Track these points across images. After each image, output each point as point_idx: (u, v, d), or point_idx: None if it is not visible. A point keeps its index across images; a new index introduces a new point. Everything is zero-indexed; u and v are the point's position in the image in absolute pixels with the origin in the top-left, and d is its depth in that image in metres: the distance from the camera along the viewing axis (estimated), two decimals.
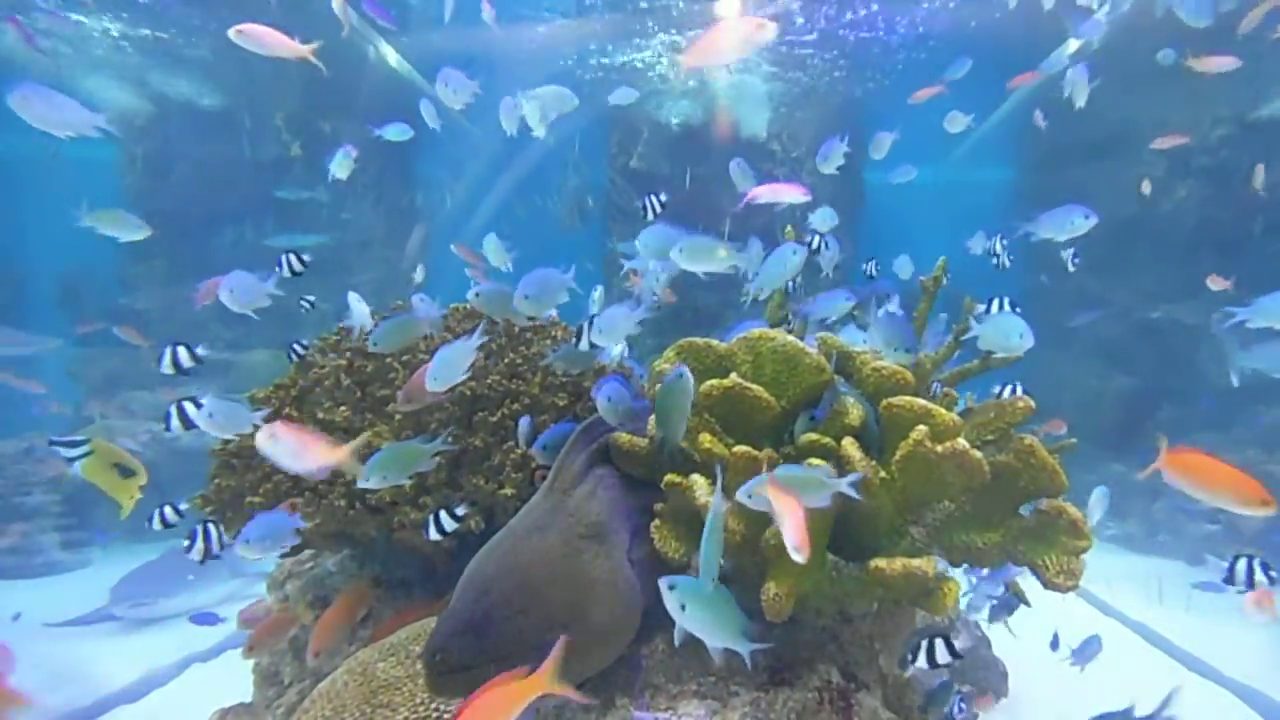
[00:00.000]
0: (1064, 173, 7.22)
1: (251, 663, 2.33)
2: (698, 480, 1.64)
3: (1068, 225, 2.72)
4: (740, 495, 1.45)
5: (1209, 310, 6.11)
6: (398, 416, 1.97)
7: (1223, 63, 4.46)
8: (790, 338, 1.88)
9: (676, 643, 1.48)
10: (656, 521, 1.73)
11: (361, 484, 1.70)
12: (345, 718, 1.52)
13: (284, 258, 2.21)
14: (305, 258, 2.19)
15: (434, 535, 1.77)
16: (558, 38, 6.93)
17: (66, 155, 8.12)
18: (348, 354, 2.10)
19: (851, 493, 1.48)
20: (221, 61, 7.19)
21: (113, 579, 4.45)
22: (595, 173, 7.35)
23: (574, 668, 1.61)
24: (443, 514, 1.78)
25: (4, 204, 9.30)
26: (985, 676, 3.26)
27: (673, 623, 1.59)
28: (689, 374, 1.64)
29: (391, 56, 7.33)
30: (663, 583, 1.39)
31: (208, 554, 1.85)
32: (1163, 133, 6.15)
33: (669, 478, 1.74)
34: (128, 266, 7.54)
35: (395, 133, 4.15)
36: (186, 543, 1.83)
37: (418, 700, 1.57)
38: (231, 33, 2.49)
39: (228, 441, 2.00)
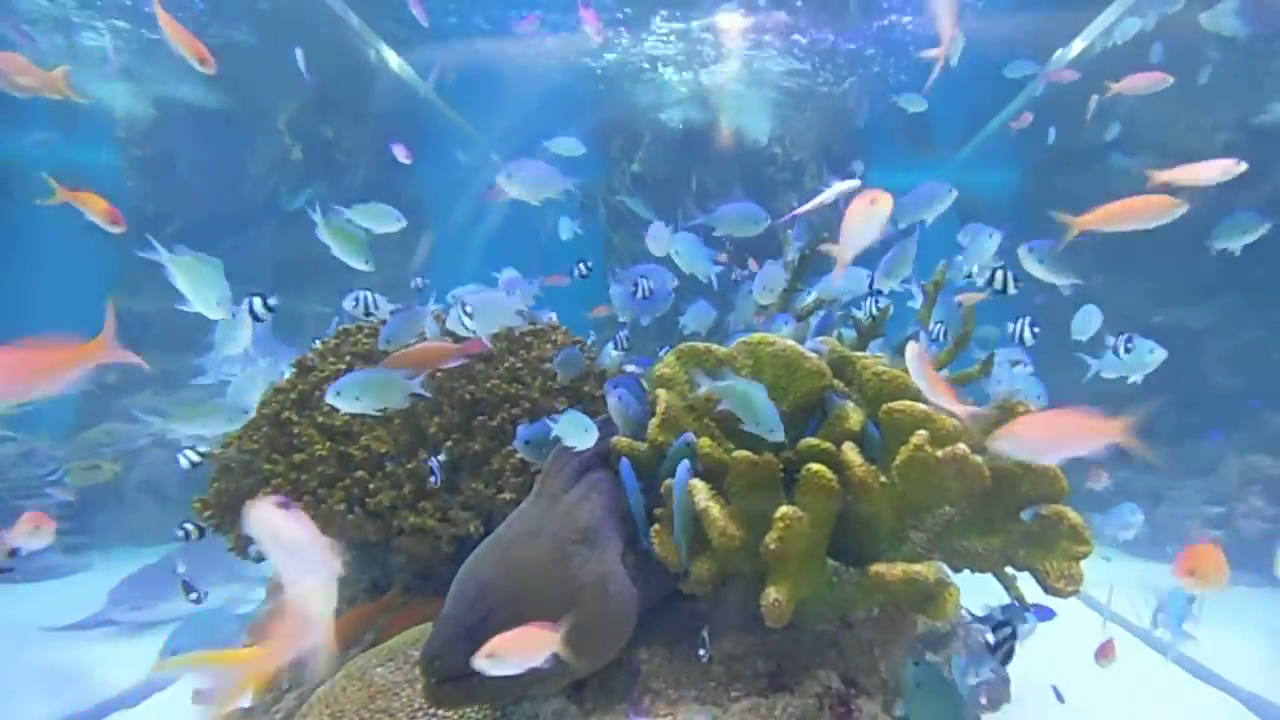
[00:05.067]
0: (1067, 176, 7.21)
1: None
2: (697, 485, 1.63)
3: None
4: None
5: (1215, 314, 6.10)
6: (396, 421, 1.96)
7: (1151, 80, 4.32)
8: (790, 342, 1.88)
9: None
10: (656, 526, 1.72)
11: (330, 399, 1.76)
12: None
13: (250, 300, 2.16)
14: (271, 301, 2.13)
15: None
16: (559, 40, 6.93)
17: (68, 158, 8.17)
18: (348, 358, 2.10)
19: None
20: (224, 65, 7.21)
21: (111, 583, 4.44)
22: (597, 175, 7.32)
23: (567, 670, 1.61)
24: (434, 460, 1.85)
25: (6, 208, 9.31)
26: (987, 684, 3.24)
27: (676, 629, 1.60)
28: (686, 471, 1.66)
29: (393, 60, 7.34)
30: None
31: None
32: (1166, 137, 6.15)
33: (667, 483, 1.73)
34: (130, 269, 7.55)
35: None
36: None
37: (415, 706, 1.56)
38: None
39: (226, 447, 2.00)
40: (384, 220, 2.42)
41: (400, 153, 4.11)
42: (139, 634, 4.22)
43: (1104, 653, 2.51)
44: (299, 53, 5.42)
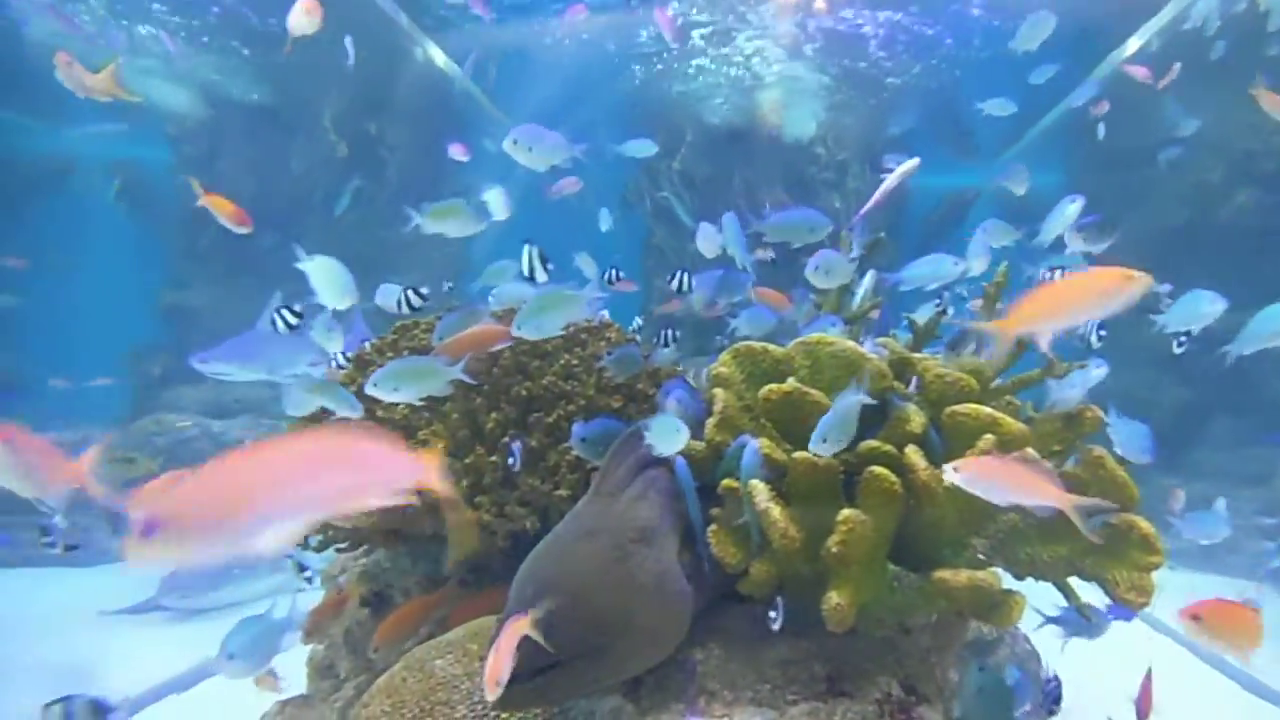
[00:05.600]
0: (1117, 177, 7.05)
1: (303, 654, 2.37)
2: (758, 486, 1.62)
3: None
4: None
5: None
6: (454, 415, 1.98)
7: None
8: (850, 343, 1.86)
9: None
10: (714, 527, 1.72)
11: (370, 390, 1.78)
12: (405, 713, 1.53)
13: (279, 312, 2.21)
14: (299, 308, 2.19)
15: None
16: (604, 32, 6.93)
17: (120, 155, 8.37)
18: (405, 353, 2.12)
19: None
20: (272, 62, 7.34)
21: (161, 571, 4.55)
22: (636, 170, 7.29)
23: (624, 669, 1.62)
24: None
25: (63, 202, 9.57)
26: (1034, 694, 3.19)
27: (731, 630, 1.59)
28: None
29: (439, 57, 7.40)
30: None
31: None
32: (1221, 136, 5.98)
33: (726, 482, 1.72)
34: (180, 263, 7.72)
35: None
36: None
37: (475, 699, 1.57)
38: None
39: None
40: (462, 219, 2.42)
41: (457, 151, 4.14)
42: (188, 620, 4.33)
43: (1144, 700, 2.21)
44: (348, 40, 5.49)
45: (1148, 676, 2.10)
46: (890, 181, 2.34)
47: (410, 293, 2.34)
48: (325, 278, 2.00)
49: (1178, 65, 4.48)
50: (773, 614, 1.61)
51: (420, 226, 2.19)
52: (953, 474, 1.40)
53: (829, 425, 1.59)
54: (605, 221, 4.91)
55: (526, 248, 2.05)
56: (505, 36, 7.08)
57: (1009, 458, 1.44)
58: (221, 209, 2.43)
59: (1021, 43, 4.19)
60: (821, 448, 1.60)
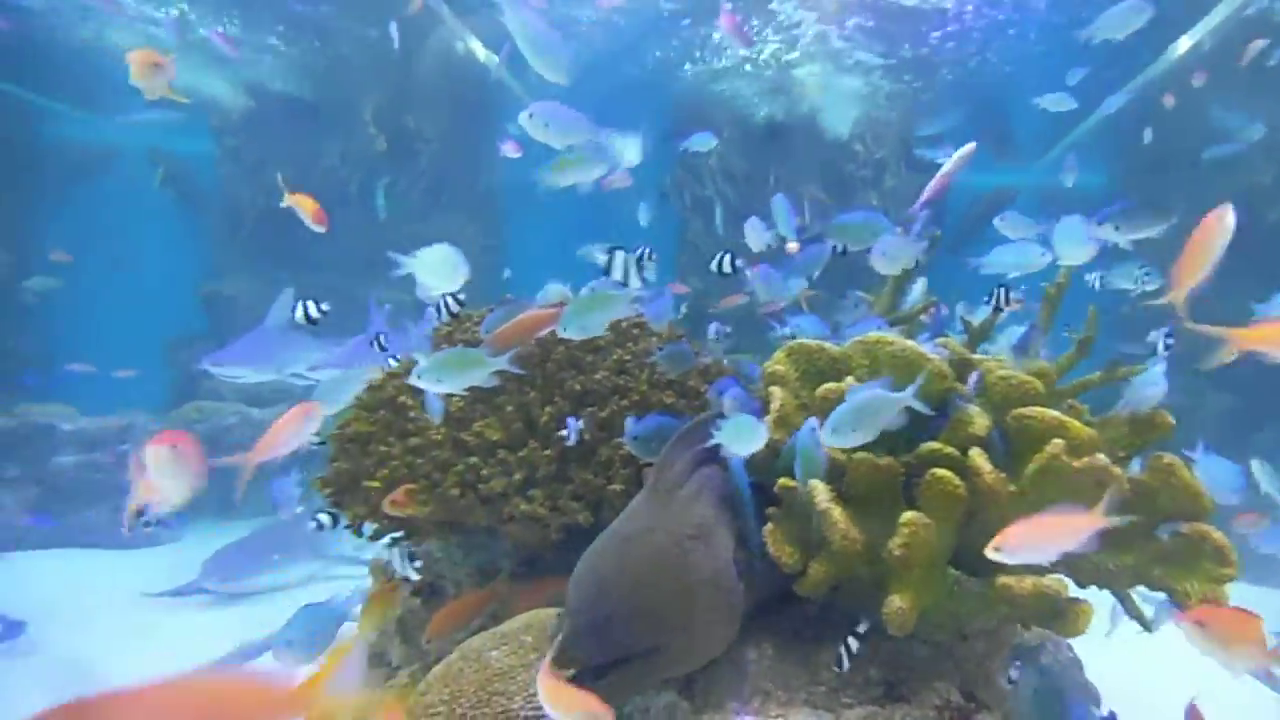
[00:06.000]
0: (1163, 180, 6.90)
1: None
2: (818, 486, 1.61)
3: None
4: None
5: None
6: (509, 408, 1.99)
7: None
8: (910, 342, 1.83)
9: None
10: (770, 525, 1.71)
11: (413, 382, 1.78)
12: (463, 702, 1.54)
13: (303, 304, 2.21)
14: (324, 306, 2.21)
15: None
16: (647, 26, 6.92)
17: (167, 149, 8.52)
18: (460, 345, 2.13)
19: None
20: (314, 55, 7.42)
21: (203, 554, 4.63)
22: (671, 164, 7.26)
23: (682, 664, 1.62)
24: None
25: (106, 191, 9.76)
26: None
27: (785, 630, 1.57)
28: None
29: (480, 51, 7.42)
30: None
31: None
32: (1273, 138, 5.81)
33: (783, 481, 1.71)
34: (219, 253, 7.84)
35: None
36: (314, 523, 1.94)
37: (531, 690, 1.58)
38: None
39: (344, 426, 2.05)
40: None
41: (510, 149, 4.16)
42: (230, 604, 4.40)
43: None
44: (393, 26, 5.51)
45: (1193, 705, 2.03)
46: (948, 167, 2.28)
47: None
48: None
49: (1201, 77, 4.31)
50: (854, 642, 1.59)
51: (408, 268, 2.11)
52: (994, 553, 1.36)
53: (839, 416, 1.56)
54: (644, 216, 4.90)
55: (621, 255, 1.99)
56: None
57: (1039, 516, 1.39)
58: (305, 207, 2.47)
59: (1101, 30, 3.84)
60: (833, 439, 1.57)
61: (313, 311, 2.14)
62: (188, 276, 8.08)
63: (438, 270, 1.96)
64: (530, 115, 2.07)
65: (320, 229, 2.43)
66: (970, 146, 2.33)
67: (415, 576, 1.89)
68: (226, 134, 7.81)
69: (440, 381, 1.81)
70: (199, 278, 7.87)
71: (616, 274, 1.95)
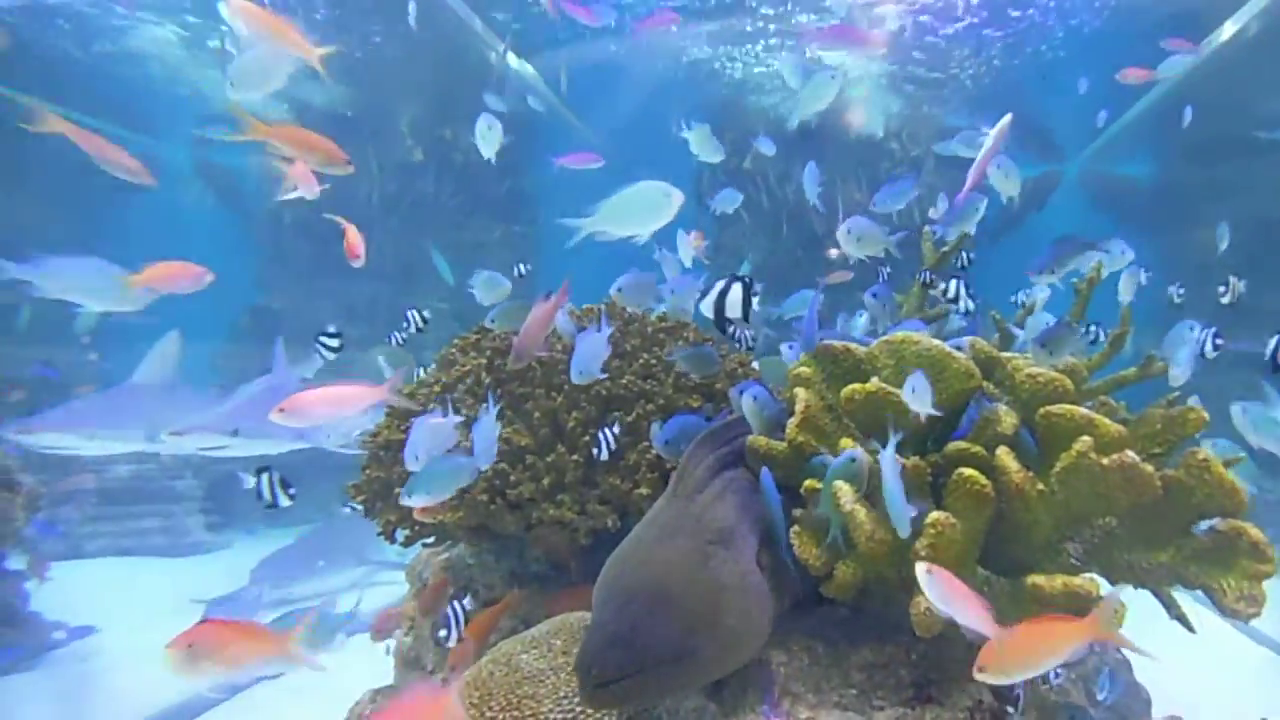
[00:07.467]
0: (1209, 169, 6.71)
1: (384, 648, 2.44)
2: (843, 487, 1.60)
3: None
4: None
5: None
6: (536, 414, 2.01)
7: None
8: (937, 341, 1.82)
9: None
10: (795, 528, 1.70)
11: (404, 502, 1.76)
12: (494, 704, 1.57)
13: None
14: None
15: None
16: (679, 39, 6.94)
17: (215, 161, 8.75)
18: (488, 352, 2.16)
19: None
20: (354, 67, 7.57)
21: (251, 561, 4.76)
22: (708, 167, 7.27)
23: (710, 672, 1.62)
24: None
25: (153, 205, 10.05)
26: (1128, 704, 3.06)
27: (813, 633, 1.57)
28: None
29: (514, 60, 7.51)
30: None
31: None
32: None
33: (809, 483, 1.71)
34: (264, 267, 8.04)
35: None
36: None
37: (561, 694, 1.60)
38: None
39: (376, 434, 2.10)
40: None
41: (582, 160, 4.23)
42: (276, 610, 4.50)
43: None
44: (411, 5, 5.57)
45: None
46: (990, 142, 2.25)
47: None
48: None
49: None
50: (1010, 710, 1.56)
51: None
52: (980, 674, 1.28)
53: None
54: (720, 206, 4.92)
55: (738, 285, 1.91)
56: (580, 44, 7.14)
57: (1026, 625, 1.31)
58: (352, 239, 2.59)
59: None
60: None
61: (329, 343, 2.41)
62: (233, 288, 8.30)
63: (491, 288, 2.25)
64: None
65: (356, 263, 2.52)
66: (1007, 118, 2.30)
67: (287, 503, 1.93)
68: (263, 146, 7.98)
69: (430, 495, 1.76)
70: (244, 290, 8.06)
71: (733, 309, 1.90)
